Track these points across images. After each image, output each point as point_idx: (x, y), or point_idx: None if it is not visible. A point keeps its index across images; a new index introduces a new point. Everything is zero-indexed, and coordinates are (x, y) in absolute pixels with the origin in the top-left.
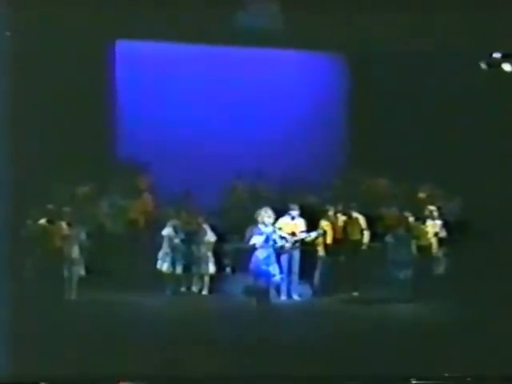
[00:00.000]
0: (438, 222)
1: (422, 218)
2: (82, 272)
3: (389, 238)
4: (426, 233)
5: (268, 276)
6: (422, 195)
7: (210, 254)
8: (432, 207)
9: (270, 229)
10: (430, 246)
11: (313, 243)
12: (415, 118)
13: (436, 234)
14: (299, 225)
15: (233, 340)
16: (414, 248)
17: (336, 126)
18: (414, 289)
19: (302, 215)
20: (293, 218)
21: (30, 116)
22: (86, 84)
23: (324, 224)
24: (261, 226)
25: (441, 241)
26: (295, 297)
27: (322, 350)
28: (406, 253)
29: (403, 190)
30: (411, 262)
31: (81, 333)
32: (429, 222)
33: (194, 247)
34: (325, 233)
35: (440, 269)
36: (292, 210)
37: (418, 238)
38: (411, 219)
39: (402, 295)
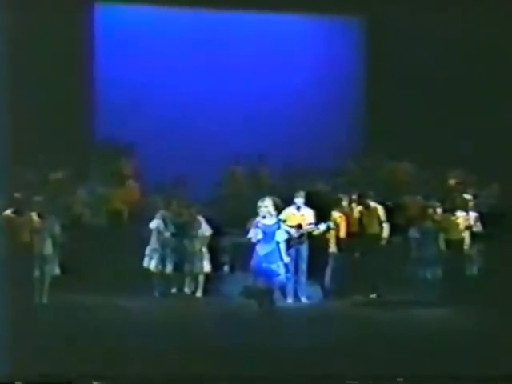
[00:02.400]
0: (472, 214)
1: (451, 209)
2: (56, 271)
3: (413, 232)
4: (457, 226)
5: (272, 275)
6: (451, 182)
7: (204, 250)
8: (464, 196)
9: (271, 221)
10: (461, 241)
11: (323, 238)
12: (444, 93)
13: (468, 228)
14: (307, 216)
15: (231, 349)
16: (442, 243)
17: (351, 101)
18: (442, 291)
19: (310, 205)
20: (299, 209)
21: None
22: (60, 53)
23: (336, 215)
24: (259, 218)
25: (474, 235)
26: (303, 299)
27: (334, 361)
28: (432, 249)
29: (430, 176)
30: (439, 259)
31: (55, 341)
32: (460, 214)
33: (186, 242)
34: (337, 226)
35: (473, 268)
36: (298, 198)
37: (446, 231)
38: (439, 210)
39: (428, 298)
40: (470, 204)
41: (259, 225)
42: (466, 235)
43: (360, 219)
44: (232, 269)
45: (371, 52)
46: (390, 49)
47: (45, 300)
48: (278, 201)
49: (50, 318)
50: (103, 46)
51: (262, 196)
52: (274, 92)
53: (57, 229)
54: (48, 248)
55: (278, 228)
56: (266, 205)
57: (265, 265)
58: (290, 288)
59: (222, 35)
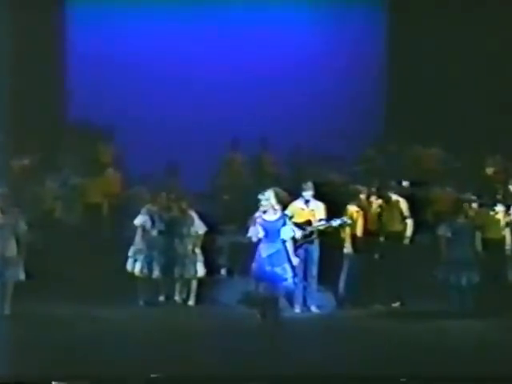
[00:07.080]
0: None
1: (490, 202)
2: (21, 276)
3: (443, 230)
4: (496, 222)
5: (276, 280)
6: (489, 170)
7: (198, 251)
8: (505, 187)
9: (274, 216)
10: (501, 240)
11: (337, 236)
12: (478, 68)
13: (510, 224)
14: (317, 211)
15: (229, 365)
16: (478, 243)
17: (370, 79)
18: (478, 300)
19: (321, 198)
20: (307, 203)
21: None
22: (27, 28)
23: (352, 210)
24: (260, 213)
25: None
26: (313, 308)
27: (349, 380)
28: (467, 250)
29: (463, 164)
30: (475, 262)
31: (16, 357)
32: (500, 208)
33: (176, 241)
34: (353, 222)
35: None
36: (306, 190)
37: (484, 229)
38: (474, 204)
39: (461, 308)
40: None
41: (259, 221)
42: (508, 233)
43: (380, 214)
44: (230, 273)
45: (393, 27)
46: (415, 22)
47: (6, 311)
48: (281, 193)
49: (13, 331)
50: (76, 21)
51: (264, 187)
52: (280, 66)
53: (22, 226)
54: (11, 249)
55: (284, 224)
56: (267, 197)
57: (268, 268)
58: (297, 295)
59: (218, 5)
